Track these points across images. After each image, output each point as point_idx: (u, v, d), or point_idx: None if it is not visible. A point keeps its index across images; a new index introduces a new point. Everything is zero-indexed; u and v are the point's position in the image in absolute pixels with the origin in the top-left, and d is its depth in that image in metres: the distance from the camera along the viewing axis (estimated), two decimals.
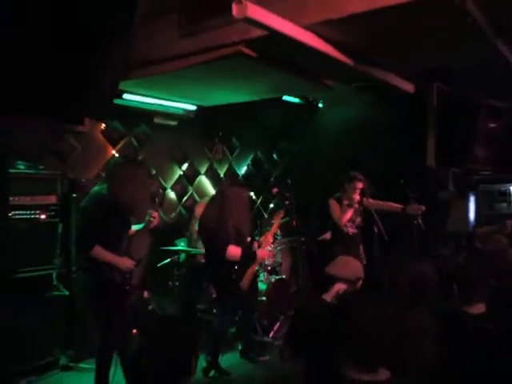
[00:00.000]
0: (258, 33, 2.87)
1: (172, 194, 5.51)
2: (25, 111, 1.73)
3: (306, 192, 6.00)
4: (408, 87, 4.23)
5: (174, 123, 5.28)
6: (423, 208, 4.39)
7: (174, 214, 5.50)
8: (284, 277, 5.26)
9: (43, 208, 3.84)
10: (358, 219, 4.69)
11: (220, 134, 5.89)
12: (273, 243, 5.12)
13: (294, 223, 5.59)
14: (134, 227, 3.39)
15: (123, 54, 1.83)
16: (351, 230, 4.64)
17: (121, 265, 3.15)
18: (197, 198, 5.65)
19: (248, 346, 4.30)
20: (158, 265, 4.75)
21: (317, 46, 3.00)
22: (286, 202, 5.62)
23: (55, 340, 3.88)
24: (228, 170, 6.21)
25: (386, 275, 2.22)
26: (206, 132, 5.80)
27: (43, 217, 3.84)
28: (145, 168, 4.02)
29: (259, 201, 6.60)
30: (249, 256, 3.92)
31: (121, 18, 1.70)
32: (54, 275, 3.89)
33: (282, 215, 4.60)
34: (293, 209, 5.58)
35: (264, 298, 4.71)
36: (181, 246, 4.95)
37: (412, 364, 1.80)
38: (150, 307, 4.52)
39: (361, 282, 2.71)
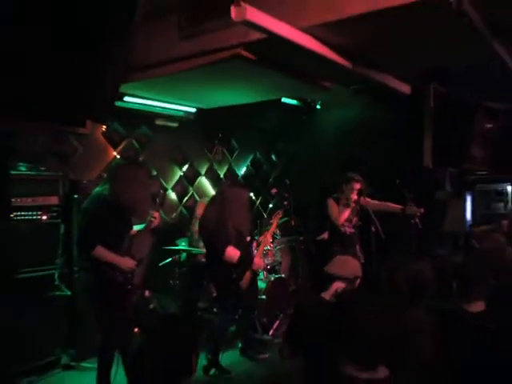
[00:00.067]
0: (256, 36, 2.86)
1: (173, 195, 5.51)
2: (26, 113, 1.72)
3: (304, 192, 6.00)
4: (405, 88, 4.23)
5: (174, 125, 5.28)
6: (422, 210, 4.41)
7: (174, 215, 5.50)
8: (283, 276, 5.25)
9: (45, 209, 3.83)
10: (355, 219, 4.70)
11: (220, 135, 5.89)
12: (272, 243, 5.13)
13: (293, 223, 5.59)
14: (136, 227, 3.39)
15: (124, 55, 1.82)
16: (348, 230, 4.66)
17: (122, 265, 3.14)
18: (197, 199, 5.65)
19: (248, 344, 4.30)
20: (160, 264, 4.75)
21: (315, 49, 2.99)
22: (285, 203, 5.64)
23: (57, 339, 3.87)
24: (228, 170, 6.22)
25: (384, 274, 2.22)
26: (206, 133, 5.80)
27: (45, 218, 3.83)
28: (146, 169, 4.00)
29: (258, 201, 6.61)
30: (247, 260, 3.92)
31: (121, 18, 1.69)
32: (56, 275, 3.88)
33: (280, 215, 4.61)
34: (291, 209, 5.58)
35: (263, 297, 4.70)
36: (182, 245, 4.94)
37: (411, 362, 1.79)
38: (151, 306, 4.52)
39: (359, 281, 2.71)
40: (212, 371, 3.88)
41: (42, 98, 1.73)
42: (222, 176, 6.11)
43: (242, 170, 6.48)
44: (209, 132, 5.80)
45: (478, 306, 2.08)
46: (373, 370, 1.54)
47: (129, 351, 3.14)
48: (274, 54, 3.27)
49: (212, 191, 5.78)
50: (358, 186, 4.51)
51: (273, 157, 6.99)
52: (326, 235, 5.01)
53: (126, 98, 4.50)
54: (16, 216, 3.62)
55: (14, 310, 3.36)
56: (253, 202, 6.37)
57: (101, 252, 3.06)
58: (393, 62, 3.60)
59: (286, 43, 2.77)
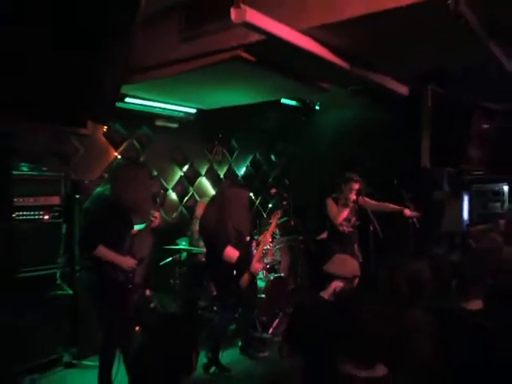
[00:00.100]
0: (256, 37, 2.86)
1: (173, 195, 5.51)
2: (28, 113, 1.72)
3: (303, 192, 6.00)
4: (402, 90, 4.23)
5: (174, 126, 5.28)
6: (418, 215, 4.43)
7: (175, 214, 5.50)
8: (282, 275, 5.25)
9: (47, 209, 3.83)
10: (354, 218, 4.71)
11: (220, 136, 5.89)
12: (271, 242, 5.13)
13: (292, 223, 5.59)
14: (137, 227, 3.39)
15: (125, 55, 1.81)
16: (347, 229, 4.67)
17: (123, 264, 3.14)
18: (197, 199, 5.65)
19: (247, 343, 4.30)
20: (160, 263, 4.75)
21: (314, 50, 2.99)
22: (284, 203, 5.64)
23: (59, 338, 3.87)
24: (228, 171, 6.21)
25: (382, 274, 2.22)
26: (206, 134, 5.80)
27: (47, 217, 3.83)
28: (146, 169, 4.00)
29: (258, 201, 6.61)
30: (246, 259, 3.92)
31: (122, 18, 1.68)
32: (58, 274, 3.87)
33: (279, 215, 4.61)
34: (291, 209, 5.58)
35: (263, 296, 4.70)
36: (182, 245, 4.94)
37: (409, 360, 1.79)
38: (152, 305, 4.51)
39: (357, 280, 2.71)
40: (212, 369, 3.88)
41: (43, 99, 1.73)
42: (222, 176, 6.11)
43: (242, 171, 6.48)
44: (209, 132, 5.80)
45: (476, 305, 2.09)
46: (371, 369, 1.54)
47: (130, 349, 3.14)
48: (273, 55, 3.27)
49: (212, 191, 5.77)
50: (356, 186, 4.52)
51: (272, 157, 6.99)
52: (325, 235, 5.02)
53: (127, 99, 4.50)
54: (18, 216, 3.61)
55: (16, 309, 3.36)
56: (252, 202, 6.37)
57: (102, 251, 3.05)
58: (391, 63, 3.60)
59: (285, 45, 2.77)
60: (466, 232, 5.33)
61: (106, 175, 4.59)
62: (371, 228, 4.52)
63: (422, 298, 2.13)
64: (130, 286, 3.23)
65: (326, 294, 2.59)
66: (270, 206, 6.63)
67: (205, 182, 5.89)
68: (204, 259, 4.40)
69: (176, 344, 1.68)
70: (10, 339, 3.26)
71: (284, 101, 5.55)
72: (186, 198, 5.64)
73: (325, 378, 1.86)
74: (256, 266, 3.96)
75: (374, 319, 1.55)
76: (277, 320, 4.83)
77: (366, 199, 4.59)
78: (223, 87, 4.20)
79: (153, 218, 3.35)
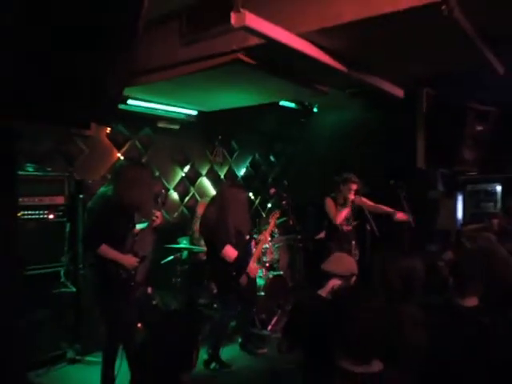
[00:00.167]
0: (255, 41, 2.86)
1: (175, 195, 5.51)
2: (31, 114, 1.71)
3: (301, 192, 6.00)
4: (398, 92, 4.23)
5: (176, 127, 5.28)
6: (407, 218, 4.43)
7: (176, 214, 5.50)
8: (282, 273, 5.25)
9: (51, 208, 3.83)
10: (352, 218, 4.72)
11: (220, 137, 5.89)
12: (270, 241, 5.14)
13: (291, 222, 5.58)
14: (139, 226, 3.39)
15: (128, 57, 1.80)
16: (346, 228, 4.68)
17: (125, 262, 3.14)
18: (198, 199, 5.65)
19: (247, 339, 4.30)
20: (162, 262, 4.75)
21: (312, 54, 2.99)
22: (283, 202, 5.63)
23: (63, 334, 3.87)
24: (228, 171, 6.21)
25: (378, 272, 2.22)
26: (207, 136, 5.80)
27: (51, 216, 3.83)
28: (148, 170, 4.01)
29: (257, 201, 6.61)
30: (245, 258, 3.92)
31: (125, 19, 1.66)
32: (62, 272, 3.88)
33: (277, 215, 4.61)
34: (290, 209, 5.58)
35: (262, 293, 4.71)
36: (183, 243, 4.94)
37: (405, 356, 1.79)
38: (154, 302, 4.51)
39: (354, 278, 2.71)
40: (213, 365, 3.88)
41: (46, 100, 1.72)
42: (222, 176, 6.11)
43: (242, 171, 6.48)
44: (209, 134, 5.80)
45: (472, 301, 2.09)
46: (367, 364, 1.54)
47: (132, 345, 3.14)
48: (272, 58, 3.27)
49: (212, 191, 5.77)
50: (354, 186, 4.53)
51: (271, 158, 6.99)
52: (323, 234, 5.02)
53: (130, 101, 4.50)
54: (23, 215, 3.62)
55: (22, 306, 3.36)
56: (252, 202, 6.37)
57: (105, 250, 3.06)
58: (387, 66, 3.61)
59: (284, 48, 2.77)
60: (459, 231, 5.34)
61: (109, 175, 4.58)
62: (368, 227, 4.52)
63: (416, 295, 2.13)
64: (132, 283, 3.23)
65: (323, 292, 2.59)
66: (269, 205, 6.63)
67: (205, 183, 5.89)
68: (204, 258, 4.40)
69: (177, 340, 1.68)
70: (13, 336, 3.25)
71: (283, 103, 5.56)
72: (187, 198, 5.64)
73: (322, 373, 1.87)
74: (253, 268, 3.96)
75: (370, 316, 1.55)
76: (276, 317, 4.83)
77: (364, 199, 4.59)
78: (223, 90, 4.20)
79: (154, 218, 3.35)
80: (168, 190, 5.36)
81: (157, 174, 5.24)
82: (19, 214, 3.54)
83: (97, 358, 3.49)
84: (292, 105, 5.81)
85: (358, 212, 4.69)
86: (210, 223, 3.85)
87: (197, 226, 4.53)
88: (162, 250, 4.67)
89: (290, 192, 5.78)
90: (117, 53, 1.76)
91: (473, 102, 4.42)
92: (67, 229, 3.94)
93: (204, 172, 5.87)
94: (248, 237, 4.07)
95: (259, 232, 5.07)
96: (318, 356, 2.01)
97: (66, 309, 3.89)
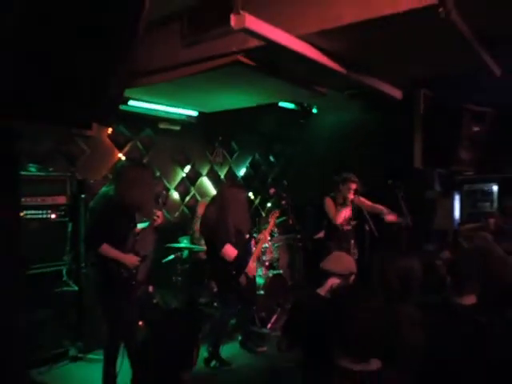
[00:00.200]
0: (255, 43, 2.85)
1: (175, 195, 5.50)
2: (32, 115, 1.70)
3: (301, 192, 6.00)
4: (396, 94, 4.23)
5: (176, 128, 5.28)
6: (396, 219, 4.43)
7: (177, 214, 5.49)
8: (281, 272, 5.25)
9: (53, 208, 3.82)
10: (351, 217, 4.71)
11: (220, 138, 5.89)
12: (270, 240, 5.13)
13: (290, 222, 5.58)
14: (140, 225, 3.38)
15: (129, 57, 1.79)
16: (345, 227, 4.68)
17: (127, 261, 3.13)
18: (199, 199, 5.65)
19: (247, 337, 4.29)
20: (163, 261, 4.74)
21: (311, 56, 2.99)
22: (283, 202, 5.63)
23: (65, 332, 3.86)
24: (228, 171, 6.21)
25: (376, 272, 2.21)
26: (207, 136, 5.80)
27: (53, 216, 3.82)
28: (150, 170, 3.99)
29: (257, 201, 6.60)
30: (245, 257, 3.91)
31: (125, 20, 1.65)
32: (64, 271, 3.87)
33: (277, 214, 4.60)
34: (289, 208, 5.57)
35: (262, 292, 4.70)
36: (184, 243, 4.93)
37: (403, 355, 1.78)
38: (155, 301, 4.50)
39: (353, 277, 2.70)
40: (213, 363, 3.88)
41: (47, 100, 1.71)
42: (222, 177, 6.10)
43: (242, 171, 6.47)
44: (210, 135, 5.79)
45: (470, 300, 2.08)
46: (366, 363, 1.53)
47: (133, 344, 3.13)
48: (272, 60, 3.26)
49: (213, 191, 5.77)
50: (354, 185, 4.53)
51: (271, 158, 6.98)
52: (322, 234, 5.02)
53: (131, 102, 4.49)
54: (26, 215, 3.61)
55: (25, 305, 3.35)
56: (251, 202, 6.36)
57: (106, 249, 3.05)
58: (386, 68, 3.60)
59: (283, 50, 2.76)
60: (456, 230, 5.33)
61: (111, 175, 4.58)
62: (367, 227, 4.52)
63: (413, 295, 2.12)
64: (134, 282, 3.22)
65: (322, 291, 2.59)
66: (268, 205, 6.62)
67: (206, 183, 5.88)
68: (205, 257, 4.39)
69: (178, 338, 1.68)
70: (17, 334, 3.24)
71: (282, 104, 5.55)
72: (188, 198, 5.63)
73: (321, 371, 1.86)
74: (252, 268, 3.95)
75: (368, 315, 1.54)
76: (275, 315, 4.82)
77: (362, 199, 4.59)
78: (224, 91, 4.19)
79: (155, 217, 3.35)
80: (169, 190, 5.36)
81: (158, 174, 5.23)
82: (22, 214, 3.53)
83: (98, 355, 3.49)
84: (291, 106, 5.81)
85: (357, 212, 4.68)
86: (211, 223, 3.85)
87: (197, 225, 4.52)
88: (163, 250, 4.66)
89: (289, 192, 5.78)
90: (117, 53, 1.75)
91: (469, 104, 4.42)
92: (69, 228, 3.93)
93: (204, 172, 5.87)
94: (248, 236, 4.07)
95: (259, 231, 5.06)
96: (317, 354, 2.00)
97: (68, 307, 3.88)
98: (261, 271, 4.92)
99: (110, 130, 4.65)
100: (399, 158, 5.04)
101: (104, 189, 3.27)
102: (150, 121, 5.01)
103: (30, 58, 1.53)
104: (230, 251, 3.79)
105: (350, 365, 1.53)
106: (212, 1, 3.10)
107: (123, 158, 4.88)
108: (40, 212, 3.73)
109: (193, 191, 5.69)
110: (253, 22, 2.46)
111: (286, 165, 7.06)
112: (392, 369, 1.58)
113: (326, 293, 2.55)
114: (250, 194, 6.37)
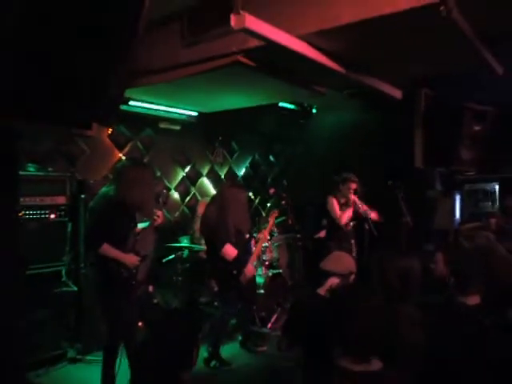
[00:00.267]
0: (255, 43, 2.85)
1: (176, 195, 5.50)
2: (32, 115, 1.70)
3: (301, 192, 6.00)
4: (396, 93, 4.22)
5: (177, 128, 5.28)
6: (378, 217, 4.50)
7: (177, 213, 5.49)
8: (281, 271, 5.25)
9: (53, 208, 3.82)
10: (351, 217, 4.72)
11: (220, 138, 5.89)
12: (269, 240, 5.13)
13: (290, 222, 5.58)
14: (140, 225, 3.38)
15: (129, 57, 1.79)
16: (348, 227, 4.68)
17: (127, 261, 3.13)
18: (199, 198, 5.65)
19: (247, 337, 4.29)
20: (163, 261, 4.74)
21: (311, 55, 2.98)
22: (283, 202, 5.63)
23: (64, 333, 3.85)
24: (228, 171, 6.21)
25: (376, 271, 2.21)
26: (208, 136, 5.80)
27: (53, 216, 3.82)
28: (150, 170, 3.99)
29: (257, 200, 6.60)
30: (245, 256, 3.91)
31: (125, 20, 1.65)
32: (64, 272, 3.87)
33: (276, 214, 4.61)
34: (289, 208, 5.57)
35: (262, 292, 4.70)
36: (184, 242, 4.94)
37: (403, 355, 1.78)
38: (155, 301, 4.51)
39: (353, 276, 2.70)
40: (213, 363, 3.87)
41: (47, 100, 1.71)
42: (222, 177, 6.10)
43: (242, 171, 6.47)
44: (210, 135, 5.79)
45: (474, 300, 2.08)
46: (366, 363, 1.53)
47: (133, 344, 3.13)
48: (272, 60, 3.26)
49: (213, 191, 5.77)
50: (354, 185, 4.54)
51: (271, 158, 6.98)
52: (322, 234, 5.02)
53: (131, 102, 4.50)
54: (25, 215, 3.61)
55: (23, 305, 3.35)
56: (251, 202, 6.37)
57: (107, 249, 3.05)
58: (385, 67, 3.60)
59: (283, 50, 2.76)
60: (457, 230, 5.33)
61: (111, 175, 4.58)
62: (366, 227, 4.52)
63: (413, 293, 2.12)
64: (134, 282, 3.22)
65: (322, 291, 2.59)
66: (268, 205, 6.63)
67: (206, 182, 5.88)
68: (205, 256, 4.39)
69: (177, 338, 1.67)
70: (16, 335, 3.24)
71: (282, 104, 5.55)
72: (188, 198, 5.64)
73: (321, 371, 1.86)
74: (250, 270, 3.94)
75: (369, 315, 1.54)
76: (275, 315, 4.82)
77: (356, 200, 4.59)
78: (224, 91, 4.20)
79: (156, 217, 3.35)
80: (169, 189, 5.36)
81: (158, 174, 5.23)
82: (21, 214, 3.54)
83: (97, 357, 3.47)
84: (291, 106, 5.81)
85: (356, 211, 4.69)
86: (211, 222, 3.85)
87: (197, 225, 4.52)
88: (163, 249, 4.66)
89: (289, 192, 5.79)
90: (117, 53, 1.75)
91: (470, 103, 4.41)
92: (69, 228, 3.93)
93: (204, 172, 5.87)
94: (248, 236, 4.07)
95: (259, 231, 5.07)
96: (317, 354, 2.00)
97: (67, 308, 3.87)
98: (261, 271, 4.92)
99: (110, 130, 4.65)
100: (399, 157, 5.04)
101: (104, 189, 3.27)
102: (150, 121, 5.01)
103: (30, 58, 1.53)
104: (230, 251, 3.79)
105: (350, 365, 1.52)
106: (212, 1, 3.10)
107: (123, 157, 4.88)
108: (39, 212, 3.73)
109: (193, 191, 5.70)
110: (253, 22, 2.46)
111: (286, 165, 7.06)
112: (392, 369, 1.58)
113: (326, 292, 2.56)
114: (250, 194, 6.37)
